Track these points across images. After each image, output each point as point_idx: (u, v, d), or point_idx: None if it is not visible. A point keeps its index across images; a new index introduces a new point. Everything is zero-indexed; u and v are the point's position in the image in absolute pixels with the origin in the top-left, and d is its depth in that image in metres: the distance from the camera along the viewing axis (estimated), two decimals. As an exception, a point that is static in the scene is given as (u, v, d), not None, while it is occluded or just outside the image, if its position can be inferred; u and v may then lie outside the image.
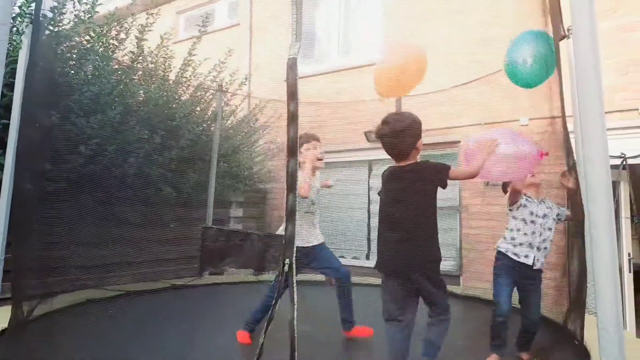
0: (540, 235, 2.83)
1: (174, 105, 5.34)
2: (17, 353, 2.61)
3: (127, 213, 5.01)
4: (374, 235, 7.21)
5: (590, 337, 2.91)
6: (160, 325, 3.59)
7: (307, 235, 2.93)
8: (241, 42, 8.58)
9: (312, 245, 3.04)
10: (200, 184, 5.58)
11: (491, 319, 2.76)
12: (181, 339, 3.21)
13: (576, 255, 3.61)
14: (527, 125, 5.76)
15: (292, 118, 2.19)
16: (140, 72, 5.22)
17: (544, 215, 2.88)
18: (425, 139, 6.42)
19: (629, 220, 5.26)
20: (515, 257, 2.82)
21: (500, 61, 5.08)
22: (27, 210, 3.35)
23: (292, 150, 1.98)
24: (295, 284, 1.86)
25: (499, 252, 2.93)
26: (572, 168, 4.15)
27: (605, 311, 1.77)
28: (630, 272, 5.34)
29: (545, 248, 2.85)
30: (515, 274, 2.80)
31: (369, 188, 7.32)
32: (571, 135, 4.43)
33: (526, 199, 2.94)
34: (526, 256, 2.79)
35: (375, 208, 7.13)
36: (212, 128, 5.80)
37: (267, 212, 8.15)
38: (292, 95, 1.99)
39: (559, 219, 2.98)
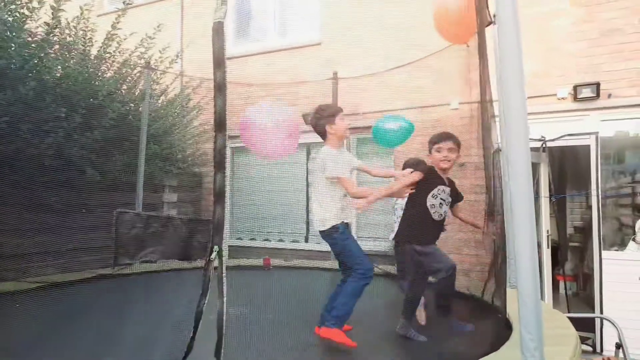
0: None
1: (96, 83, 4.97)
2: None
3: (48, 198, 4.65)
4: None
5: (512, 310, 3.08)
6: (85, 318, 3.38)
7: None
8: (172, 17, 8.15)
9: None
10: (128, 166, 5.28)
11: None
12: (109, 330, 3.05)
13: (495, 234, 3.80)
14: (457, 109, 5.96)
15: (220, 89, 2.06)
16: (56, 46, 4.79)
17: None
18: (359, 122, 6.50)
19: (548, 199, 5.64)
20: None
21: (435, 44, 5.22)
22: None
23: (220, 124, 1.87)
24: (224, 273, 1.78)
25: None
26: (497, 151, 4.36)
27: (524, 284, 1.85)
28: (548, 247, 5.75)
29: None
30: None
31: (307, 171, 7.30)
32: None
33: None
34: None
35: (312, 191, 7.15)
36: (140, 108, 5.48)
37: (203, 196, 7.91)
38: (219, 63, 1.86)
39: None
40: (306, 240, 7.22)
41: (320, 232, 2.96)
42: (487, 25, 3.86)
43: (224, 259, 1.84)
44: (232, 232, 7.74)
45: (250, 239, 7.48)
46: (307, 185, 7.23)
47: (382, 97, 6.22)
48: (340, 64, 6.31)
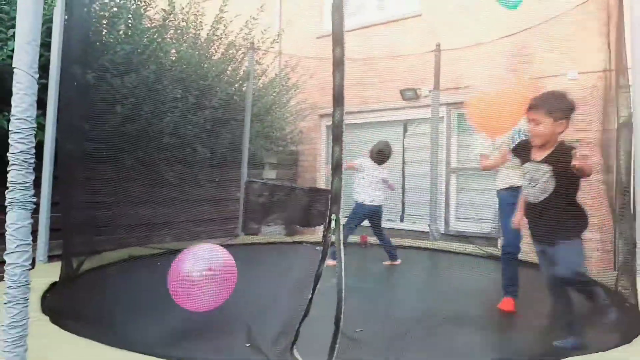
0: None
1: (205, 65, 5.26)
2: (67, 305, 2.71)
3: (165, 173, 5.07)
4: (409, 197, 7.08)
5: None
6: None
7: None
8: (272, -1, 8.33)
9: None
10: (233, 145, 5.57)
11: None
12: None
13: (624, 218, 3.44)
14: (576, 79, 5.42)
15: (338, 64, 2.07)
16: (172, 31, 5.13)
17: None
18: (460, 96, 6.18)
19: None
20: None
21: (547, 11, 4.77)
22: (71, 170, 3.41)
23: (339, 99, 1.88)
24: (342, 241, 1.82)
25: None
26: (624, 125, 3.90)
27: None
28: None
29: None
30: None
31: (403, 148, 7.16)
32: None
33: None
34: None
35: (409, 169, 7.03)
36: (244, 88, 5.72)
37: (300, 173, 8.13)
38: (338, 39, 1.86)
39: None
40: (401, 220, 7.13)
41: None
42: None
43: (340, 227, 1.90)
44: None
45: (345, 217, 7.57)
46: (403, 164, 7.11)
47: (486, 68, 5.84)
48: (444, 35, 6.00)
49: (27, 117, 1.68)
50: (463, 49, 5.56)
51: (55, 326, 2.31)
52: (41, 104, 3.80)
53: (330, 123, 7.47)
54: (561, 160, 2.31)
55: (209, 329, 2.57)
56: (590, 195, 4.46)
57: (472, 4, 5.93)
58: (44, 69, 3.76)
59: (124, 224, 4.66)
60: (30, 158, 1.70)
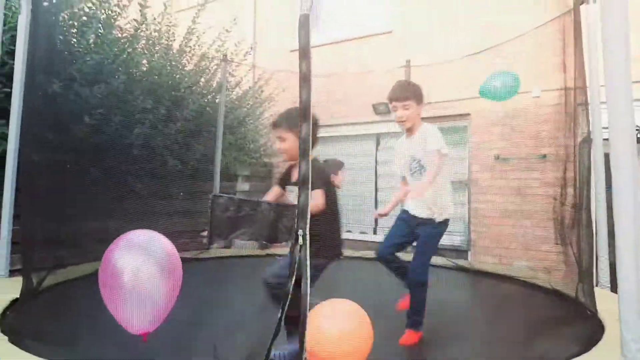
0: None
1: (177, 76, 5.23)
2: (27, 323, 2.61)
3: (135, 185, 4.98)
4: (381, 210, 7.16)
5: (603, 310, 2.89)
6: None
7: None
8: (245, 10, 8.37)
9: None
10: (205, 157, 5.52)
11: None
12: (190, 311, 3.22)
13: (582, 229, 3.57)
14: (538, 97, 5.63)
15: (305, 79, 2.09)
16: (143, 41, 5.09)
17: None
18: (433, 111, 6.31)
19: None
20: None
21: (514, 27, 4.95)
22: (34, 181, 3.32)
23: (305, 114, 1.90)
24: (308, 257, 1.82)
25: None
26: (584, 141, 4.07)
27: (626, 283, 1.73)
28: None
29: None
30: None
31: (376, 162, 7.25)
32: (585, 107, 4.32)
33: None
34: None
35: (382, 182, 7.12)
36: (216, 100, 5.70)
37: (273, 186, 8.10)
38: (304, 53, 1.88)
39: None
40: (374, 232, 7.19)
41: (428, 220, 2.79)
42: (581, 4, 3.62)
43: (307, 242, 1.88)
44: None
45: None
46: (376, 177, 7.20)
47: (456, 85, 6.01)
48: (414, 52, 6.15)
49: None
50: (431, 65, 5.70)
51: (14, 346, 2.23)
52: (4, 112, 3.73)
53: (303, 136, 7.46)
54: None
55: (176, 348, 2.52)
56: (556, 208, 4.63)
57: (441, 22, 6.12)
58: (8, 77, 3.68)
59: (90, 237, 4.52)
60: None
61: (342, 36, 7.32)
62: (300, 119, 2.05)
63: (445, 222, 2.83)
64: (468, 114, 6.15)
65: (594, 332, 2.56)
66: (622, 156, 1.82)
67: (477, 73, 5.86)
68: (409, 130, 2.91)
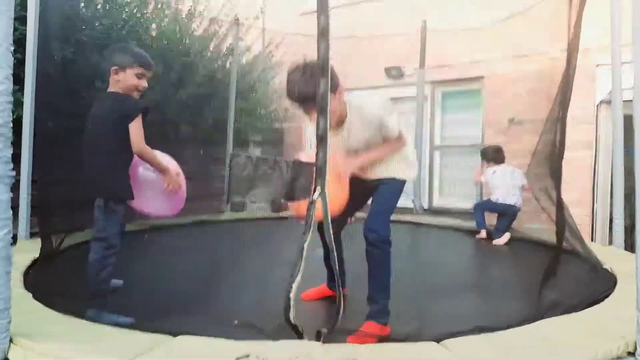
0: None
1: (187, 41, 5.18)
2: (49, 281, 2.71)
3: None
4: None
5: (615, 269, 2.89)
6: (184, 259, 3.68)
7: None
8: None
9: None
10: (217, 122, 5.53)
11: None
12: (206, 273, 3.32)
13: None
14: (557, 57, 5.46)
15: (323, 33, 2.03)
16: (151, 5, 5.02)
17: None
18: (444, 74, 6.15)
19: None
20: None
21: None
22: (50, 146, 3.36)
23: (324, 69, 1.87)
24: (329, 215, 1.84)
25: None
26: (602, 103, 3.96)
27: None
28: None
29: None
30: None
31: (388, 127, 7.18)
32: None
33: None
34: None
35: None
36: (227, 65, 5.65)
37: (285, 151, 8.12)
38: (323, 7, 1.83)
39: None
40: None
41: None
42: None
43: (327, 200, 1.89)
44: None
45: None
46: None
47: (471, 47, 5.86)
48: (428, 14, 5.97)
49: (3, 90, 1.66)
50: (448, 30, 5.55)
51: (39, 303, 2.31)
52: (18, 79, 3.74)
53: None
54: None
55: (197, 305, 2.60)
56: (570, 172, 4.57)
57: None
58: (19, 43, 3.68)
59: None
60: (8, 132, 1.68)
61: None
62: (319, 73, 2.02)
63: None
64: (482, 77, 6.02)
65: (605, 286, 2.58)
66: None
67: (490, 36, 5.72)
68: None
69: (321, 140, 2.02)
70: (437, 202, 6.64)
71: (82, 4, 4.34)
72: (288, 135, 8.09)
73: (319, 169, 1.92)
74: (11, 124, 1.70)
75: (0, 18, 1.66)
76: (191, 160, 5.49)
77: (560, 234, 2.83)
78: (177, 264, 3.47)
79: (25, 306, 2.27)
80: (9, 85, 1.67)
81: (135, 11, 4.69)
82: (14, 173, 1.72)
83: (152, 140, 4.91)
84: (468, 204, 6.26)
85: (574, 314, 2.09)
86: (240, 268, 3.41)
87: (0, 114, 1.65)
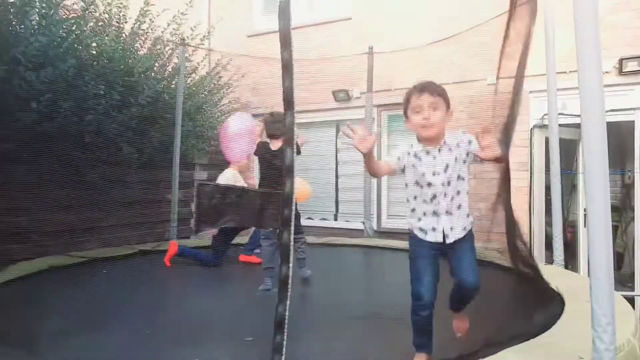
0: (446, 196, 2.07)
1: (130, 60, 4.97)
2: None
3: (88, 175, 4.73)
4: (342, 196, 7.18)
5: (559, 286, 3.03)
6: (129, 293, 3.46)
7: None
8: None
9: None
10: (163, 144, 5.31)
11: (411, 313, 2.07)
12: (151, 305, 3.13)
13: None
14: (494, 84, 5.80)
15: (286, 67, 2.07)
16: (92, 23, 4.79)
17: (446, 168, 2.09)
18: (393, 98, 6.36)
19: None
20: (422, 235, 2.09)
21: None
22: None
23: (289, 102, 1.88)
24: (292, 242, 1.81)
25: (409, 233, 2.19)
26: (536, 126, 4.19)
27: (597, 257, 1.79)
28: (584, 226, 5.65)
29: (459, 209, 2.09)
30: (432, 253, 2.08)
31: (336, 149, 7.26)
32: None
33: (415, 155, 2.17)
34: (433, 229, 2.05)
35: (343, 169, 7.14)
36: (172, 85, 5.48)
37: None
38: (285, 42, 1.85)
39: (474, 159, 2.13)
40: (335, 219, 7.23)
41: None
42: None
43: (292, 229, 1.89)
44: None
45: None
46: (337, 164, 7.21)
47: (417, 73, 6.09)
48: (373, 39, 6.16)
49: None
50: (394, 52, 5.74)
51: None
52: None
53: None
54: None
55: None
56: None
57: (401, 10, 6.15)
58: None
59: (43, 230, 4.27)
60: None
61: (302, 22, 7.21)
62: (285, 106, 2.03)
63: None
64: (427, 101, 6.25)
65: (554, 307, 2.68)
66: (593, 140, 1.87)
67: (435, 62, 5.99)
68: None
69: (289, 170, 2.00)
70: (386, 224, 6.74)
71: (14, 22, 4.05)
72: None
73: (287, 200, 1.89)
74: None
75: None
76: (135, 184, 5.23)
77: (514, 256, 2.93)
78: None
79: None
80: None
81: (74, 28, 4.45)
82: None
83: (95, 162, 4.64)
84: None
85: (533, 341, 2.12)
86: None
87: None
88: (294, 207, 1.87)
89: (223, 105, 6.85)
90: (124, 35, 5.10)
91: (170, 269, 4.38)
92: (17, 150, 3.73)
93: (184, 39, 5.44)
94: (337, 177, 7.23)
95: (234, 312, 2.96)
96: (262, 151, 3.81)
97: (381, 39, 6.10)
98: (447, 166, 2.10)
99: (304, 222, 4.68)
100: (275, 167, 3.34)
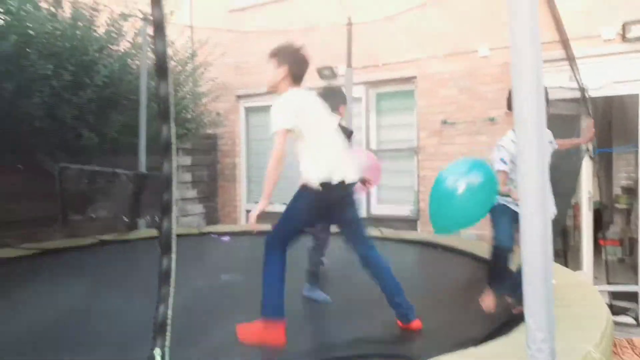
0: None
1: (86, 39, 4.64)
2: None
3: (44, 162, 4.48)
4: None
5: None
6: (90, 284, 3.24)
7: None
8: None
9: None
10: (128, 128, 5.00)
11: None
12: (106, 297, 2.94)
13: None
14: (487, 56, 5.29)
15: (159, 27, 1.78)
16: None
17: None
18: (378, 74, 5.90)
19: (589, 158, 4.97)
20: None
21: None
22: None
23: (161, 70, 1.64)
24: (174, 231, 1.60)
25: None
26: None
27: (532, 262, 1.43)
28: (590, 210, 5.14)
29: None
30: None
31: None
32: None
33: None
34: None
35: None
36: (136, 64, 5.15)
37: (219, 158, 7.67)
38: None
39: None
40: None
41: None
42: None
43: (173, 215, 1.65)
44: (250, 195, 7.51)
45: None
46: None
47: (401, 44, 5.62)
48: (355, 8, 5.68)
49: None
50: (373, 22, 5.27)
51: None
52: None
53: (249, 105, 6.94)
54: None
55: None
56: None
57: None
58: None
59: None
60: None
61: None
62: (157, 74, 1.75)
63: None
64: (414, 77, 5.79)
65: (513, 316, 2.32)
66: (526, 118, 1.51)
67: (421, 32, 5.50)
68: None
69: (166, 150, 1.73)
70: (376, 210, 6.35)
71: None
72: (222, 141, 7.64)
73: (166, 182, 1.63)
74: None
75: None
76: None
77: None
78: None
79: None
80: None
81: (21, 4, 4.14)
82: None
83: (49, 149, 4.34)
84: (406, 211, 6.01)
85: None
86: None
87: None
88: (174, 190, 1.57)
89: (201, 84, 6.49)
90: (80, 10, 4.76)
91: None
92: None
93: (145, 15, 5.04)
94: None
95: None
96: None
97: (364, 9, 5.61)
98: None
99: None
100: None
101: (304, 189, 2.39)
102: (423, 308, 2.50)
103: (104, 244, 4.57)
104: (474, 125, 5.34)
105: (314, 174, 2.33)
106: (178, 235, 4.88)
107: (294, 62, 2.45)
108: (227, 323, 2.38)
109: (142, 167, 5.11)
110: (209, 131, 7.25)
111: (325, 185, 2.31)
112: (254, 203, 7.23)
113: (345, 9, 5.61)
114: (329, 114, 2.57)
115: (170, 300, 1.60)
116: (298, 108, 2.37)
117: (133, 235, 4.86)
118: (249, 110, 7.30)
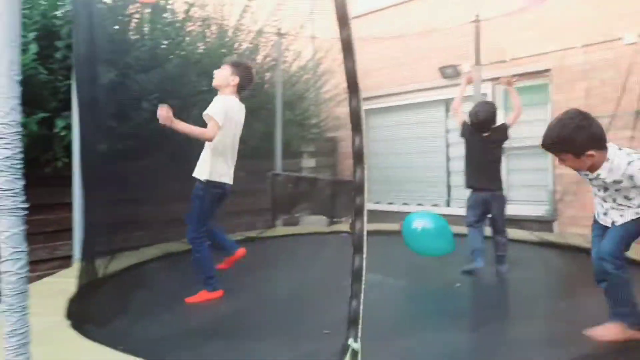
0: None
1: (232, 55, 5.17)
2: (90, 308, 2.71)
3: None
4: (454, 180, 6.67)
5: None
6: (239, 276, 3.60)
7: None
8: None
9: None
10: (266, 135, 5.45)
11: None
12: (260, 288, 3.24)
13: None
14: (633, 44, 4.84)
15: (347, 47, 1.92)
16: (197, 22, 5.07)
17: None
18: (508, 70, 5.67)
19: None
20: None
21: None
22: (96, 168, 3.43)
23: (352, 86, 1.74)
24: (365, 232, 1.73)
25: None
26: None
27: None
28: None
29: None
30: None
31: (446, 130, 6.78)
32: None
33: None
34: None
35: (453, 151, 6.62)
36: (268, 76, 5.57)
37: (340, 161, 7.94)
38: (343, 19, 1.70)
39: None
40: (448, 205, 6.78)
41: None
42: None
43: (364, 217, 1.79)
44: (369, 195, 7.67)
45: (388, 203, 7.28)
46: (447, 146, 6.74)
47: (532, 38, 5.36)
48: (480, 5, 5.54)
49: (10, 121, 1.62)
50: (503, 17, 5.10)
51: (74, 331, 2.29)
52: (69, 104, 3.88)
53: (369, 107, 7.12)
54: None
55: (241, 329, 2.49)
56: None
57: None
58: (69, 70, 3.82)
59: (158, 220, 4.67)
60: (17, 163, 1.64)
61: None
62: (349, 90, 1.90)
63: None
64: (548, 70, 5.48)
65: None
66: None
67: (554, 22, 5.19)
68: None
69: (358, 158, 1.88)
70: (508, 210, 6.10)
71: (130, 26, 4.44)
72: (343, 144, 7.91)
73: (358, 187, 1.80)
74: (22, 155, 1.65)
75: (5, 49, 1.61)
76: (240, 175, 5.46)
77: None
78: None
79: (59, 335, 2.26)
80: (16, 117, 1.62)
81: (179, 29, 4.75)
82: (26, 205, 1.67)
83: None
84: (540, 211, 5.70)
85: None
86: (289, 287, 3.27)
87: (9, 146, 1.61)
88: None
89: (324, 91, 6.80)
90: (225, 32, 5.30)
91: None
92: (135, 146, 4.11)
93: (279, 30, 5.46)
94: (447, 159, 6.76)
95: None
96: (467, 134, 3.97)
97: (490, 5, 5.45)
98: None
99: (414, 208, 4.41)
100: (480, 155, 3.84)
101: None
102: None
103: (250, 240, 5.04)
104: (620, 120, 4.91)
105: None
106: (309, 234, 5.20)
107: (244, 77, 3.23)
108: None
109: (278, 169, 5.56)
110: (330, 134, 7.57)
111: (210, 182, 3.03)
112: (374, 203, 7.42)
113: (469, 7, 5.50)
114: (241, 124, 3.32)
115: (362, 296, 1.77)
116: (230, 111, 3.12)
117: (270, 232, 5.32)
118: (368, 112, 7.44)
